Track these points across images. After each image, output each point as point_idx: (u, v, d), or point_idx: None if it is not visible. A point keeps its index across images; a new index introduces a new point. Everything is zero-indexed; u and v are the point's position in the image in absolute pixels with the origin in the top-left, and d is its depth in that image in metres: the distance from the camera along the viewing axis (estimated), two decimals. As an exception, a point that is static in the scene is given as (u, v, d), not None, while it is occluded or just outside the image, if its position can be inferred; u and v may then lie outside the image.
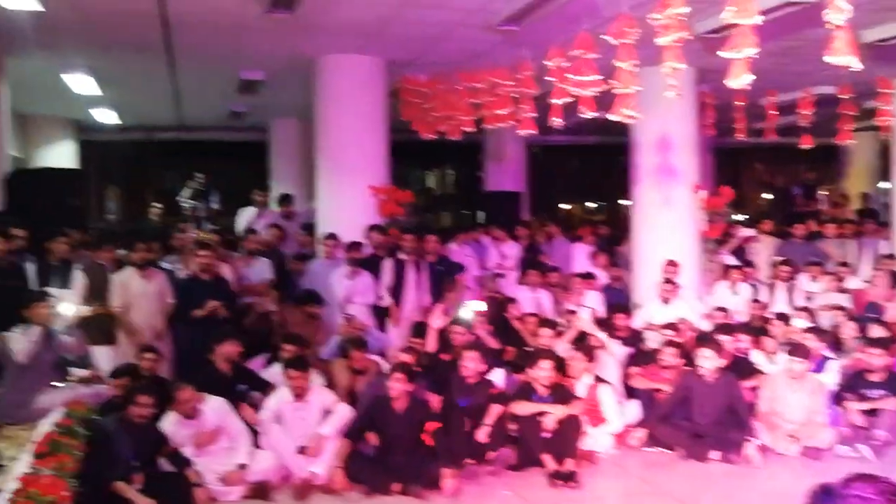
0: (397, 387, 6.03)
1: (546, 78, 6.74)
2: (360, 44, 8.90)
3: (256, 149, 16.00)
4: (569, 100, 6.36)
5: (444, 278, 8.63)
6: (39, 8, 7.03)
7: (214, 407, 6.00)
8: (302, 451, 5.97)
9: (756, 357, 7.63)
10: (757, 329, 8.10)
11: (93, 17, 7.70)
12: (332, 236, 8.97)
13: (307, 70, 9.67)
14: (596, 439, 6.58)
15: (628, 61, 5.57)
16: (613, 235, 12.09)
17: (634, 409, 7.15)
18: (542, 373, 6.45)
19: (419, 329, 7.39)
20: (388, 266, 8.41)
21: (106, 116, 13.74)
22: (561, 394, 6.47)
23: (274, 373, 6.99)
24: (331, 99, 9.49)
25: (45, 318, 6.65)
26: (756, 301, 9.21)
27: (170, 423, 5.82)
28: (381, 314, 8.58)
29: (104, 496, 5.04)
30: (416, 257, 8.52)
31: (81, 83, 10.65)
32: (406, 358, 6.75)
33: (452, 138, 9.05)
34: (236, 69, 10.36)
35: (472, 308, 8.15)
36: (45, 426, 5.49)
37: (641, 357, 7.63)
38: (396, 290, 8.46)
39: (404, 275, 8.44)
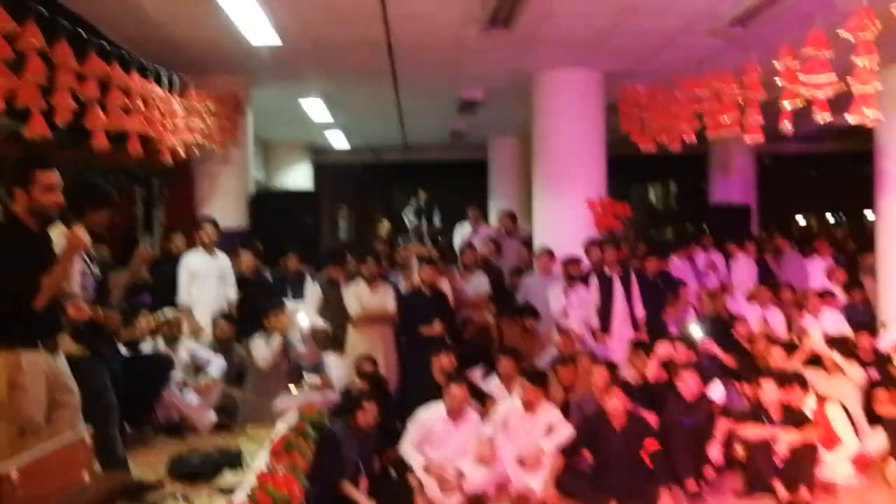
0: (615, 404, 5.89)
1: (775, 80, 6.35)
2: (578, 57, 8.86)
3: (476, 167, 16.35)
4: (800, 104, 5.94)
5: (664, 294, 8.36)
6: (279, 42, 7.61)
7: (472, 417, 6.13)
8: (520, 462, 5.96)
9: None
10: None
11: (325, 47, 8.22)
12: (547, 251, 8.96)
13: (525, 87, 9.76)
14: (833, 467, 6.05)
15: (868, 58, 5.12)
16: (858, 250, 11.16)
17: (880, 438, 6.50)
18: (772, 395, 6.05)
19: (639, 348, 7.20)
20: (593, 283, 8.25)
21: (337, 140, 14.62)
22: (794, 417, 6.02)
23: (492, 385, 7.08)
24: (549, 114, 9.51)
25: (283, 327, 7.17)
26: None
27: (433, 413, 6.00)
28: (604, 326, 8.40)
29: (332, 496, 5.30)
30: (622, 272, 8.26)
31: (316, 109, 11.40)
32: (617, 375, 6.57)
33: (673, 150, 8.75)
34: (456, 89, 10.65)
35: (695, 326, 7.82)
36: (281, 427, 5.88)
37: (888, 381, 6.93)
38: (604, 307, 8.23)
39: (612, 291, 8.22)
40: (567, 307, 8.29)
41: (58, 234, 4.12)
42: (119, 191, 9.35)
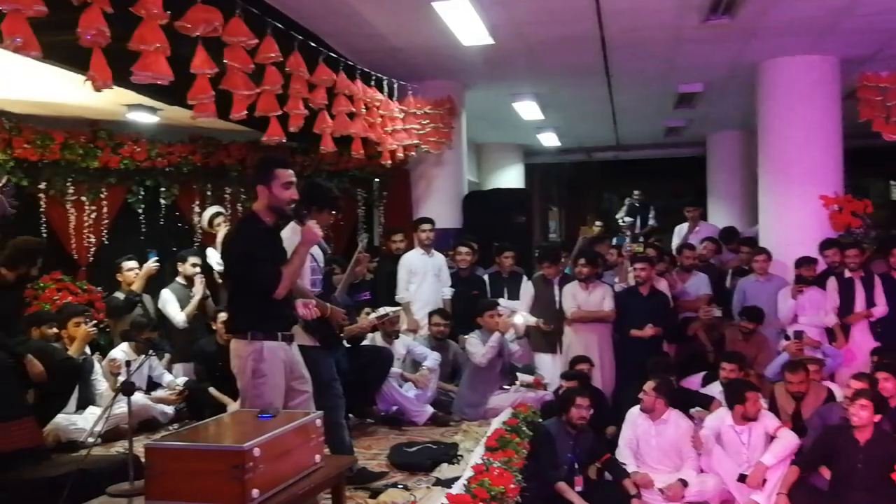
0: (862, 416, 5.40)
1: None
2: (808, 43, 8.30)
3: (693, 164, 15.75)
4: None
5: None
6: (491, 41, 7.71)
7: (678, 421, 5.98)
8: (742, 479, 5.67)
9: None
10: None
11: (537, 45, 8.24)
12: (761, 251, 8.45)
13: (748, 78, 9.28)
14: None
15: None
16: None
17: None
18: None
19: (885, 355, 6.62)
20: (831, 285, 7.66)
21: (549, 140, 14.61)
22: None
23: (713, 391, 6.80)
24: (776, 105, 8.97)
25: (496, 325, 7.25)
26: None
27: (636, 414, 5.92)
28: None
29: (546, 494, 5.29)
30: (863, 274, 7.61)
31: (528, 109, 11.46)
32: (860, 385, 6.05)
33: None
34: (673, 83, 10.31)
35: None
36: (495, 424, 5.95)
37: None
38: (843, 312, 7.64)
39: (853, 294, 7.60)
40: (797, 310, 7.79)
41: (289, 231, 4.41)
42: (342, 193, 9.92)
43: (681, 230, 11.26)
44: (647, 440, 5.97)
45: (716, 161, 14.96)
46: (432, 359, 7.16)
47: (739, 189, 13.94)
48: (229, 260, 4.28)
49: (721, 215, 13.66)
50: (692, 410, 6.54)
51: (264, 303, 4.07)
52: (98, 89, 3.77)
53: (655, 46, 8.42)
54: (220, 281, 7.81)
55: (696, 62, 9.16)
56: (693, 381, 7.34)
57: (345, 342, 6.03)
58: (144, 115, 7.81)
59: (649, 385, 5.98)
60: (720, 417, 6.02)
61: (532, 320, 7.71)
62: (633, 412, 6.14)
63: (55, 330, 6.36)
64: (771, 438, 5.81)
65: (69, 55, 4.39)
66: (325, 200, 4.84)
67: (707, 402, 6.57)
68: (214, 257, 7.89)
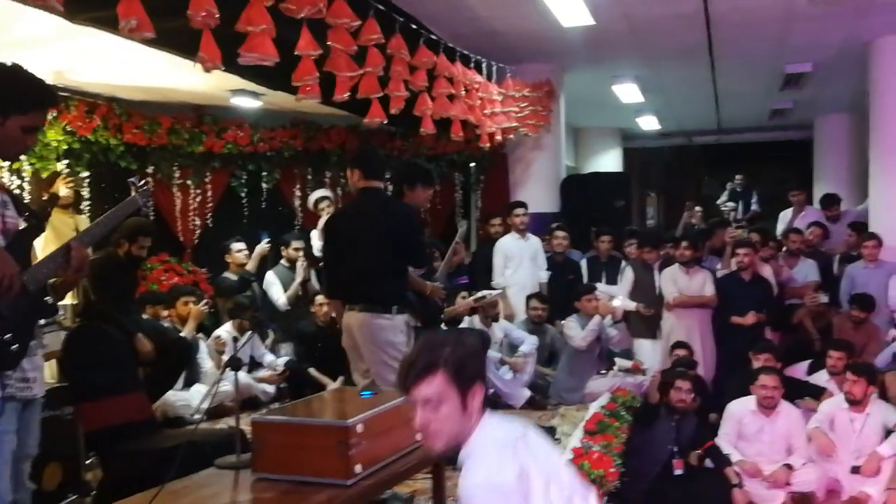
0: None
1: None
2: (928, 18, 7.88)
3: (798, 147, 15.19)
4: None
5: None
6: (592, 22, 7.58)
7: (789, 412, 5.79)
8: (855, 470, 5.44)
9: None
10: None
11: (640, 24, 8.05)
12: (871, 236, 8.06)
13: (859, 57, 8.86)
14: None
15: None
16: None
17: None
18: None
19: None
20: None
21: (648, 123, 14.31)
22: None
23: (819, 379, 6.56)
24: (888, 86, 8.55)
25: (595, 309, 7.15)
26: None
27: (743, 406, 5.77)
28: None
29: (646, 480, 5.21)
30: None
31: (628, 92, 11.24)
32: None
33: None
34: (780, 64, 9.95)
35: None
36: (593, 408, 5.88)
37: None
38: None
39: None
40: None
41: None
42: (441, 177, 9.95)
43: (785, 216, 10.86)
44: (759, 436, 5.76)
45: (823, 145, 14.38)
46: (529, 343, 7.13)
47: (847, 174, 13.34)
48: (411, 240, 4.61)
49: (828, 201, 13.13)
50: (798, 401, 6.32)
51: (404, 283, 4.57)
52: (208, 70, 3.88)
53: (763, 25, 8.12)
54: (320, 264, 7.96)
55: (805, 41, 8.80)
56: (798, 370, 7.09)
57: (443, 325, 6.05)
58: (248, 100, 8.00)
59: (770, 380, 5.75)
60: (836, 403, 5.79)
61: (631, 305, 7.59)
62: (737, 407, 5.91)
63: (165, 310, 6.61)
64: (888, 433, 5.56)
65: (178, 41, 4.53)
66: (418, 177, 4.89)
67: (817, 393, 6.34)
68: (316, 241, 8.05)
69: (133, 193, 3.33)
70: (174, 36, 4.30)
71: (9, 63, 2.86)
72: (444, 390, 2.20)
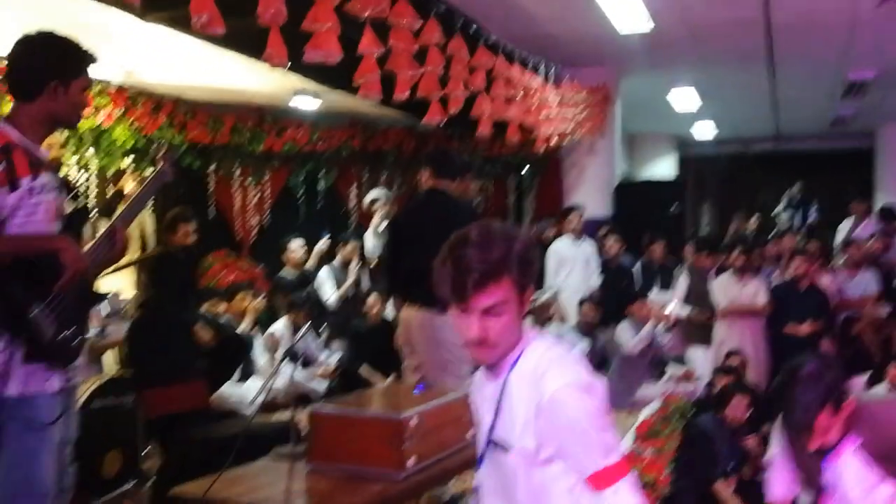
0: None
1: None
2: None
3: (859, 157, 14.86)
4: None
5: None
6: (651, 25, 7.53)
7: None
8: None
9: None
10: None
11: (699, 29, 7.98)
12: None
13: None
14: None
15: None
16: None
17: None
18: None
19: None
20: None
21: (704, 130, 14.15)
22: None
23: (878, 393, 6.42)
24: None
25: (647, 315, 7.12)
26: None
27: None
28: None
29: (699, 491, 5.15)
30: None
31: (684, 99, 11.14)
32: None
33: None
34: (842, 71, 9.77)
35: None
36: (645, 413, 5.85)
37: None
38: None
39: None
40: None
41: None
42: (495, 179, 9.96)
43: (845, 226, 10.66)
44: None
45: (885, 154, 14.08)
46: (580, 349, 7.10)
47: (911, 184, 13.06)
48: None
49: (891, 212, 12.83)
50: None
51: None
52: (275, 66, 3.96)
53: (826, 31, 7.99)
54: (371, 265, 8.04)
55: (869, 48, 8.63)
56: (856, 383, 6.96)
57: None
58: (308, 100, 8.12)
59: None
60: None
61: (685, 311, 7.52)
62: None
63: (224, 305, 6.73)
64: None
65: (244, 40, 4.63)
66: (457, 169, 4.90)
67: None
68: (370, 241, 8.12)
69: (160, 165, 3.25)
70: (240, 35, 4.39)
71: (37, 33, 2.80)
72: (509, 295, 1.92)
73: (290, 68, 4.35)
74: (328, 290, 7.82)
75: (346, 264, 7.91)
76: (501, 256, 1.90)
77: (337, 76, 5.04)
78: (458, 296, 1.91)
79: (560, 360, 1.97)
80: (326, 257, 8.11)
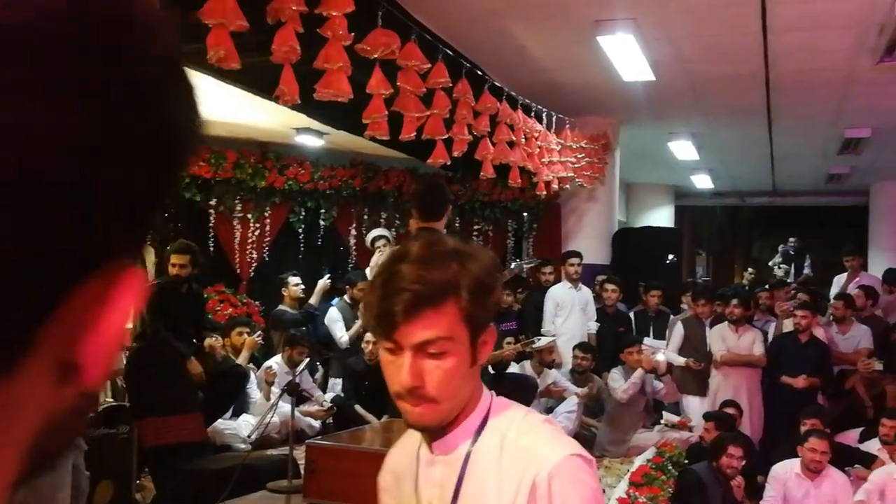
0: None
1: None
2: None
3: (853, 213, 15.01)
4: None
5: None
6: (652, 77, 7.67)
7: (835, 478, 5.68)
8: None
9: None
10: None
11: (700, 83, 8.11)
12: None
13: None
14: None
15: None
16: None
17: None
18: None
19: None
20: None
21: (702, 182, 14.29)
22: None
23: (871, 448, 6.42)
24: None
25: (638, 361, 7.13)
26: None
27: (788, 468, 5.68)
28: None
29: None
30: None
31: (683, 149, 11.27)
32: None
33: None
34: (839, 128, 9.91)
35: None
36: (639, 461, 5.84)
37: None
38: None
39: None
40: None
41: None
42: (494, 223, 10.04)
43: (839, 280, 10.72)
44: (804, 501, 5.64)
45: (879, 211, 14.19)
46: (571, 402, 7.07)
47: (905, 241, 13.16)
48: None
49: (883, 268, 12.90)
50: (849, 468, 6.19)
51: None
52: (286, 103, 4.03)
53: (824, 88, 8.12)
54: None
55: (865, 106, 8.77)
56: (849, 437, 6.96)
57: (490, 369, 6.08)
58: (311, 138, 8.22)
59: (821, 444, 5.63)
60: (888, 472, 5.66)
61: (678, 360, 7.55)
62: (782, 469, 5.81)
63: (219, 339, 6.74)
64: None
65: (254, 77, 4.72)
66: (442, 208, 4.56)
67: (868, 461, 6.21)
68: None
69: None
70: (251, 72, 4.48)
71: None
72: (455, 331, 1.36)
73: (298, 106, 4.43)
74: (339, 328, 7.80)
75: (356, 303, 7.91)
76: (447, 276, 1.35)
77: (343, 116, 5.12)
78: (383, 326, 1.36)
79: (550, 429, 1.48)
80: (328, 295, 8.13)
